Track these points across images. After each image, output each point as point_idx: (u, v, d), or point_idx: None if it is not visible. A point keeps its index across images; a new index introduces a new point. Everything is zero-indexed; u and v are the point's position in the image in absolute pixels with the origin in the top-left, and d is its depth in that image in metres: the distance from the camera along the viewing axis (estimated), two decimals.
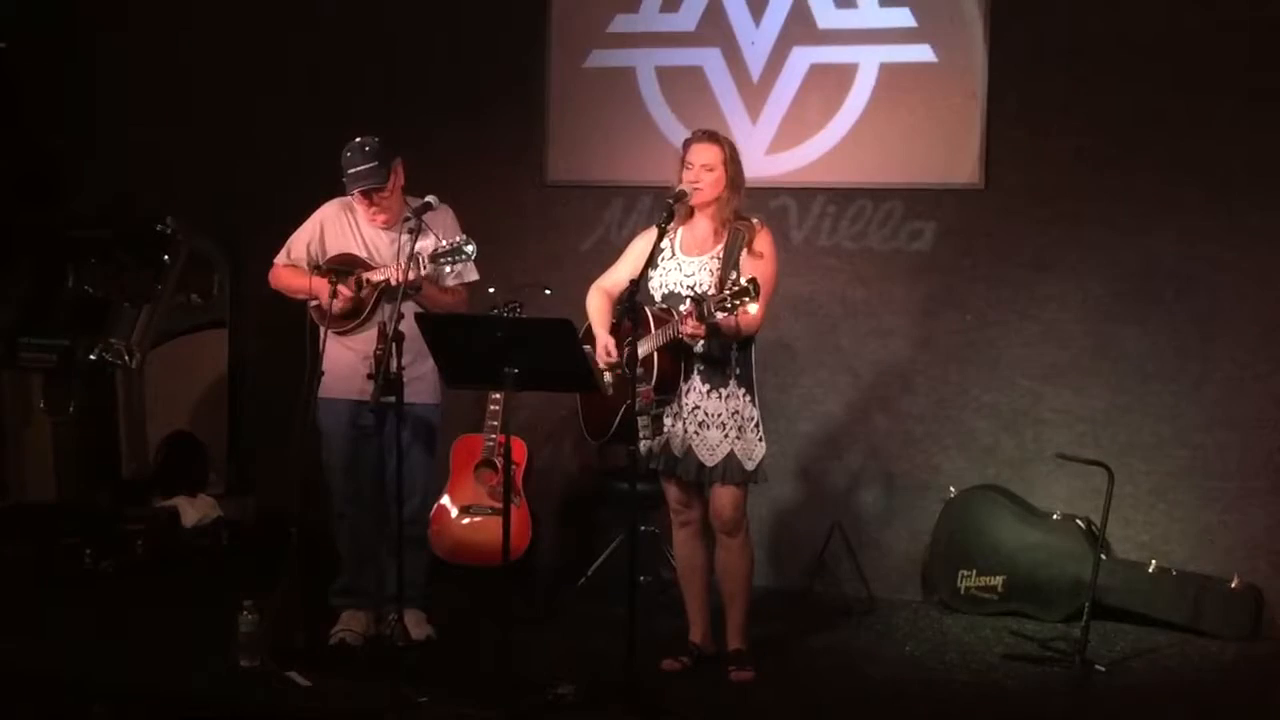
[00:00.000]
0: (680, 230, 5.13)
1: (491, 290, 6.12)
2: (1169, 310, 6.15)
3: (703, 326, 4.78)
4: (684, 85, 6.69)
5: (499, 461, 6.07)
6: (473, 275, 5.40)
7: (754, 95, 6.60)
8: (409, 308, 5.08)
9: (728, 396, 5.01)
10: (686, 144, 5.12)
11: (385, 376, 4.93)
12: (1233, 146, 6.03)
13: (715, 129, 5.20)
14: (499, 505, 5.21)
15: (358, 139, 5.29)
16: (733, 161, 5.06)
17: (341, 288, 5.20)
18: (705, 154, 5.05)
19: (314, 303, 5.33)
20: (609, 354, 4.99)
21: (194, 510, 6.87)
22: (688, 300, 4.90)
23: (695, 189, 5.01)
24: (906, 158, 6.43)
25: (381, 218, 5.35)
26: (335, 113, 6.82)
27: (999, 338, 6.37)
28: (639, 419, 4.93)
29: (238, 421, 7.40)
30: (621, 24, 6.79)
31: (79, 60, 7.54)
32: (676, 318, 4.89)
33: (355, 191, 5.28)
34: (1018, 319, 6.34)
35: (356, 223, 5.42)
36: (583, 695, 4.77)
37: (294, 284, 5.41)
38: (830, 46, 6.50)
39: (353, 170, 5.24)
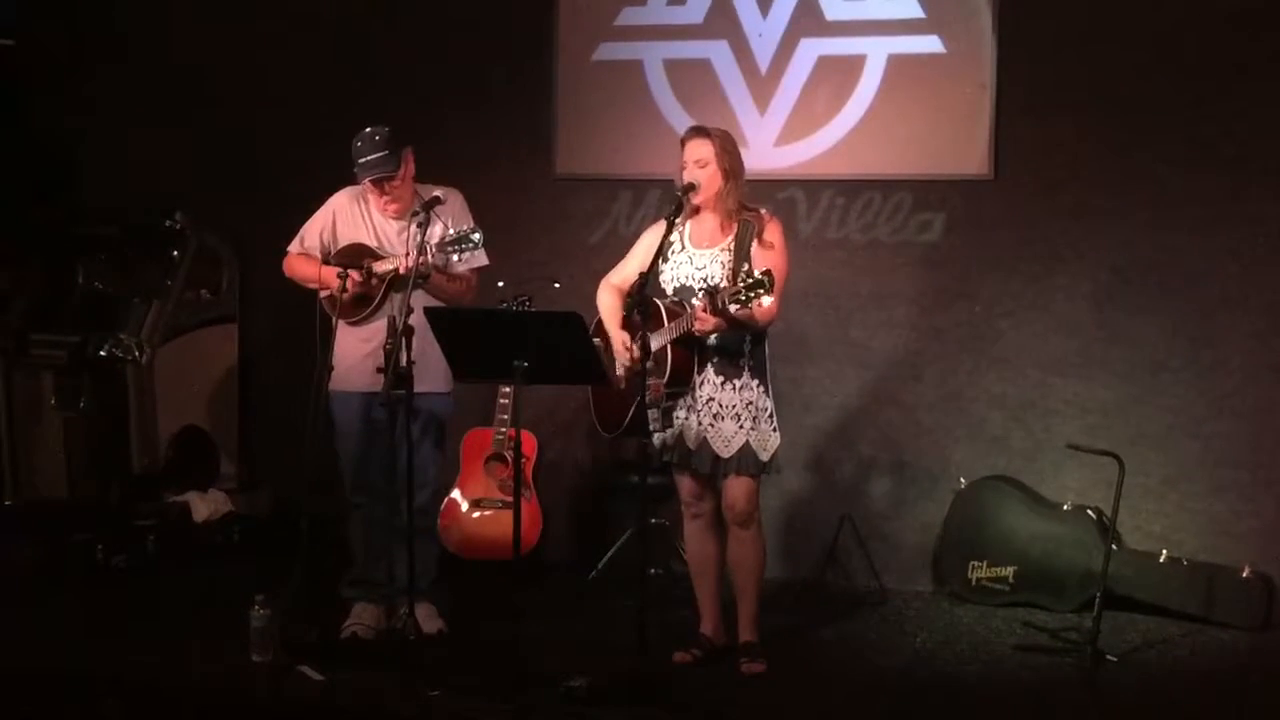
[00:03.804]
0: (689, 224, 5.13)
1: (501, 284, 6.13)
2: (1179, 299, 6.14)
3: (713, 319, 4.78)
4: (692, 78, 6.68)
5: (509, 455, 6.08)
6: (482, 260, 5.40)
7: (762, 87, 6.60)
8: (418, 299, 5.09)
9: (741, 388, 5.01)
10: (681, 143, 5.12)
11: (395, 370, 4.94)
12: (1242, 135, 6.02)
13: (704, 125, 5.18)
14: (509, 499, 5.23)
15: (368, 129, 5.31)
16: (725, 152, 5.04)
17: (352, 272, 5.22)
18: (697, 150, 5.04)
19: (325, 293, 5.34)
20: (627, 350, 4.97)
21: (205, 505, 6.88)
22: (700, 293, 4.90)
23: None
24: (915, 149, 6.42)
25: (394, 207, 5.37)
26: (344, 106, 6.80)
27: (1009, 328, 6.36)
28: (649, 412, 4.92)
29: (248, 416, 7.41)
30: (629, 17, 6.79)
31: (85, 56, 7.54)
32: (689, 311, 4.88)
33: (366, 181, 5.30)
34: (1027, 309, 6.33)
35: (368, 212, 5.44)
36: (594, 688, 4.76)
37: (306, 273, 5.44)
38: (838, 38, 6.49)
39: (363, 160, 5.26)
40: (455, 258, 5.24)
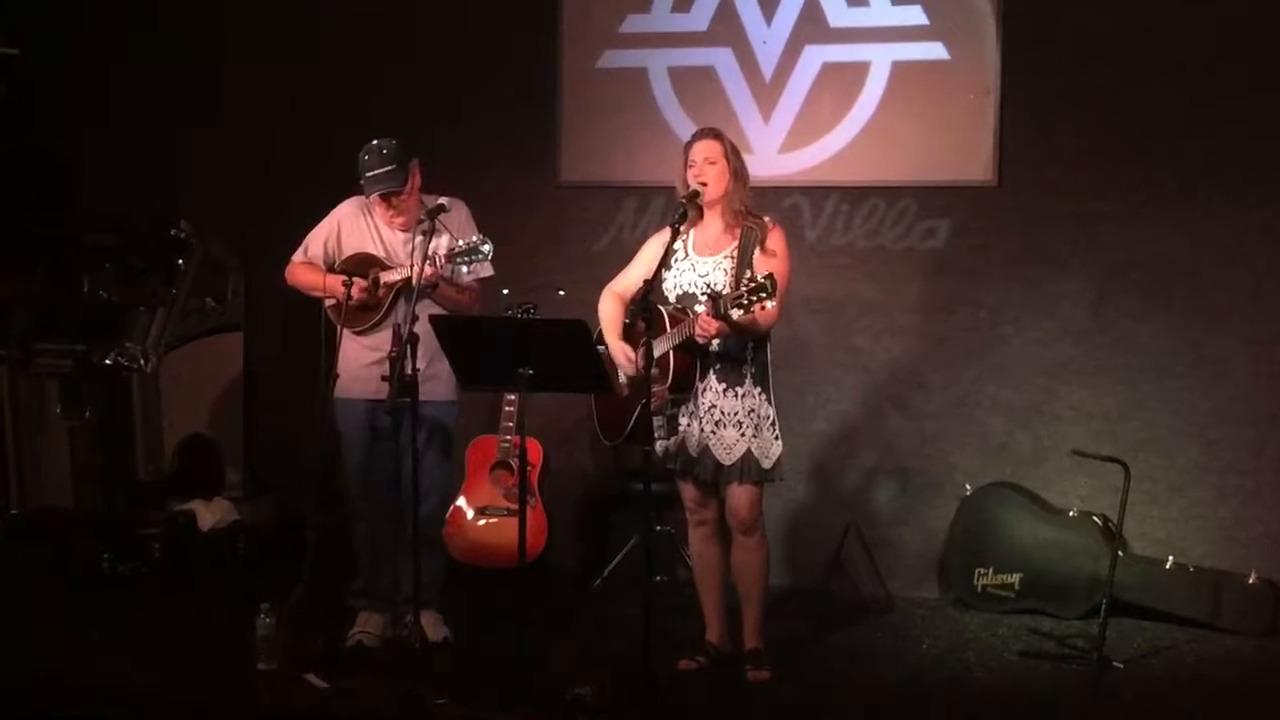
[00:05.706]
0: (692, 232, 5.14)
1: (505, 292, 6.12)
2: (1183, 306, 6.14)
3: (715, 323, 4.79)
4: (696, 85, 6.69)
5: (514, 463, 6.07)
6: (487, 272, 5.40)
7: (766, 94, 6.60)
8: (424, 308, 5.08)
9: (744, 395, 5.01)
10: (687, 146, 5.15)
11: (401, 378, 4.94)
12: (1245, 142, 6.02)
13: (714, 128, 5.22)
14: (514, 506, 5.22)
15: (375, 141, 5.30)
16: (734, 155, 5.10)
17: (357, 279, 5.22)
18: (707, 149, 5.07)
19: (330, 302, 5.34)
20: (629, 360, 4.99)
21: (210, 514, 6.88)
22: (704, 299, 4.91)
23: (703, 185, 5.03)
24: (919, 156, 6.42)
25: (400, 220, 5.37)
26: (348, 115, 6.83)
27: (1013, 335, 6.36)
28: (654, 419, 4.93)
29: (254, 424, 7.41)
30: (633, 24, 6.79)
31: (91, 65, 7.55)
32: (692, 317, 4.89)
33: (374, 194, 5.30)
34: (1031, 316, 6.33)
35: (374, 223, 5.44)
36: (599, 696, 4.76)
37: (309, 281, 5.43)
38: (842, 45, 6.50)
39: (371, 173, 5.26)
40: (464, 269, 5.24)
